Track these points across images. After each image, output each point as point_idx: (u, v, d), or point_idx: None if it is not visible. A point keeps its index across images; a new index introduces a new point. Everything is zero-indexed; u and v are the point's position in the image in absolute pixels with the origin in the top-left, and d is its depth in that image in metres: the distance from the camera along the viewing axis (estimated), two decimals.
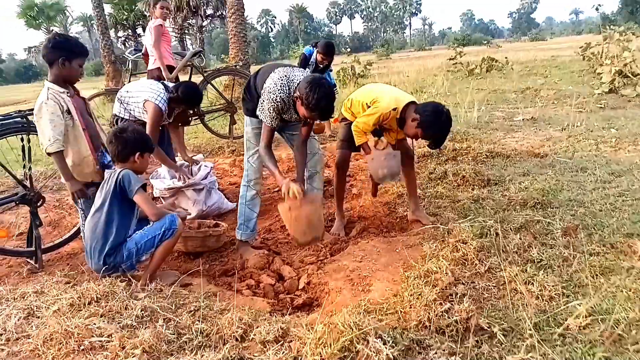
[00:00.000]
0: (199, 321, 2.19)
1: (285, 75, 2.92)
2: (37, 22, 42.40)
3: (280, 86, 2.87)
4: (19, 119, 3.35)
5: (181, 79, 7.35)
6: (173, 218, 2.71)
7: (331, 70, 7.01)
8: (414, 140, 3.33)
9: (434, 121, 3.05)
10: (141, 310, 2.24)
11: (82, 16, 44.66)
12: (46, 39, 3.02)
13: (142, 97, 3.91)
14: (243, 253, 3.17)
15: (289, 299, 2.64)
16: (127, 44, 40.27)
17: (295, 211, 2.85)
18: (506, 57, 15.22)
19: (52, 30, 42.50)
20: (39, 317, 2.25)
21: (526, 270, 2.52)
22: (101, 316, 2.20)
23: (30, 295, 2.53)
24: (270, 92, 2.87)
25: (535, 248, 2.75)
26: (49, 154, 2.95)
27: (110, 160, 3.11)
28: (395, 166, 3.22)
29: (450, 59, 15.48)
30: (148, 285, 2.67)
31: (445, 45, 67.51)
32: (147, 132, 4.04)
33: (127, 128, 2.79)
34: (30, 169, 3.42)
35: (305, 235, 2.91)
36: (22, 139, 3.39)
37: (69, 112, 3.03)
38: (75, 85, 3.25)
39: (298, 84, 2.85)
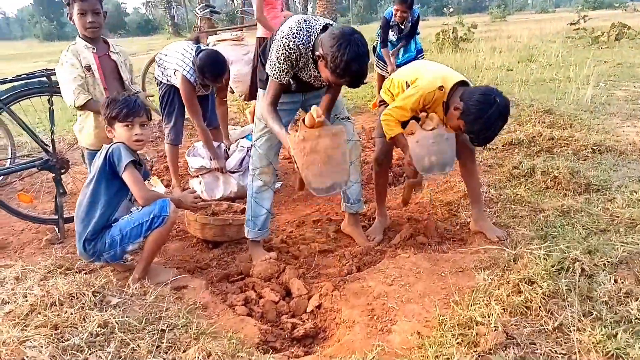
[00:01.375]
0: (158, 352, 1.76)
1: (305, 20, 2.28)
2: None
3: (297, 30, 2.23)
4: (44, 78, 3.10)
5: (253, 39, 6.94)
6: (164, 204, 2.29)
7: (418, 33, 6.08)
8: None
9: (478, 113, 2.31)
10: (98, 327, 1.85)
11: None
12: None
13: (173, 66, 3.62)
14: (252, 255, 2.68)
15: (290, 325, 2.12)
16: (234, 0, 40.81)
17: (311, 141, 2.15)
18: None
19: None
20: None
21: (616, 335, 1.75)
22: (54, 327, 1.85)
23: (9, 281, 2.27)
24: (283, 38, 2.25)
25: (637, 301, 1.94)
26: (79, 108, 2.75)
27: None
28: (448, 152, 2.48)
29: (571, 24, 13.43)
30: (134, 283, 2.32)
31: (571, 8, 60.38)
32: (186, 106, 3.69)
33: (118, 96, 2.38)
34: (53, 132, 3.18)
35: (322, 178, 2.18)
36: (48, 101, 3.16)
37: (89, 68, 2.78)
38: (109, 42, 2.93)
39: (321, 37, 2.20)
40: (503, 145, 4.17)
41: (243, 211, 3.23)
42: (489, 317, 1.86)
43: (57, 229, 3.26)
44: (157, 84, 3.93)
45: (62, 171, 3.24)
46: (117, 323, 1.88)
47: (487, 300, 2.00)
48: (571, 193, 3.15)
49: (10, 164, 3.97)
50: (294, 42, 2.23)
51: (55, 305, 1.98)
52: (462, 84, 2.52)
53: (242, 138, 4.41)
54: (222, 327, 2.03)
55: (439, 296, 2.17)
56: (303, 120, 2.24)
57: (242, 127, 4.67)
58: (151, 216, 2.28)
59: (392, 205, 3.36)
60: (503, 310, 1.91)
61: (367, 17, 67.25)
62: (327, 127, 2.21)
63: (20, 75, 3.11)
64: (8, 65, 18.34)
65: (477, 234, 2.81)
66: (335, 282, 2.32)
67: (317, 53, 2.18)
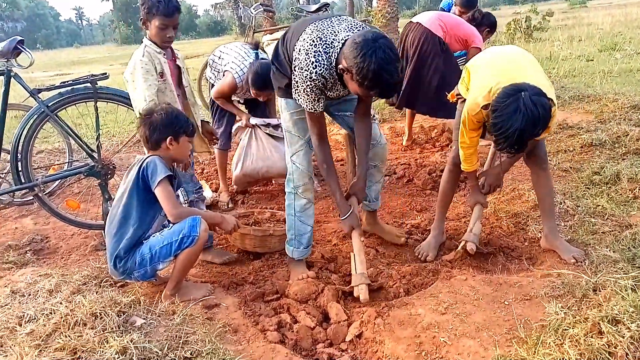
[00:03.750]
0: None
1: (320, 38, 2.05)
2: None
3: (315, 57, 2.02)
4: (89, 84, 3.07)
5: None
6: (194, 222, 2.13)
7: None
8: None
9: (496, 106, 1.99)
10: (116, 353, 1.72)
11: None
12: None
13: (226, 67, 3.50)
14: (291, 272, 2.47)
15: (325, 356, 1.89)
16: None
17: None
18: None
19: None
20: (12, 338, 1.88)
21: None
22: (72, 351, 1.74)
23: (42, 294, 2.22)
24: (302, 70, 2.06)
25: None
26: None
27: None
28: None
29: None
30: (165, 300, 2.19)
31: None
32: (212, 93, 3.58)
33: (155, 109, 2.26)
34: (98, 138, 3.15)
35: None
36: (95, 108, 3.13)
37: (162, 74, 2.65)
38: (174, 49, 2.81)
39: (341, 48, 1.99)
40: (581, 147, 3.68)
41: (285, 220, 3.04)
42: None
43: (103, 234, 3.23)
44: (210, 86, 3.83)
45: (108, 177, 3.21)
46: (136, 349, 1.73)
47: (560, 341, 1.66)
48: None
49: (68, 166, 4.05)
50: (316, 72, 2.04)
51: (79, 325, 1.88)
52: None
53: None
54: (251, 356, 1.84)
55: (501, 331, 1.85)
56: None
57: None
58: (180, 236, 2.14)
59: (448, 215, 3.03)
60: (579, 356, 1.57)
61: (434, 9, 65.32)
62: None
63: (66, 82, 3.10)
64: (86, 68, 19.51)
65: (548, 252, 2.44)
66: (378, 307, 2.05)
67: (340, 66, 1.97)
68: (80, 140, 3.16)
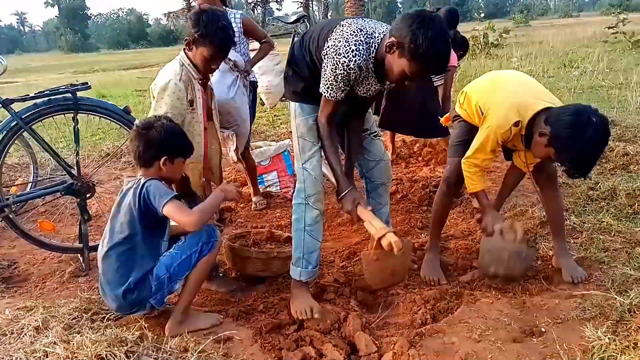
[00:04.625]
0: None
1: (360, 29, 1.94)
2: None
3: (356, 45, 1.91)
4: (68, 94, 2.81)
5: (285, 48, 6.65)
6: (210, 227, 2.03)
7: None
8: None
9: (572, 138, 1.93)
10: None
11: None
12: (193, 12, 2.35)
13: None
14: (298, 302, 2.22)
15: None
16: (255, 11, 40.98)
17: (384, 262, 2.11)
18: None
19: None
20: None
21: None
22: None
23: (28, 332, 1.95)
24: (340, 55, 1.92)
25: None
26: None
27: None
28: (518, 270, 2.26)
29: (609, 27, 12.85)
30: (172, 333, 1.98)
31: (596, 12, 59.05)
32: None
33: (154, 123, 2.03)
34: (78, 153, 2.89)
35: (384, 283, 2.30)
36: (73, 119, 2.86)
37: (192, 103, 2.35)
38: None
39: (390, 29, 1.90)
40: None
41: (286, 240, 2.87)
42: None
43: (81, 259, 2.95)
44: None
45: (88, 195, 2.94)
46: None
47: None
48: None
49: (32, 186, 3.71)
50: (355, 61, 1.92)
51: None
52: (545, 109, 2.12)
53: (278, 154, 4.08)
54: None
55: (543, 358, 1.77)
56: (379, 239, 2.03)
57: (275, 142, 4.34)
58: (200, 244, 1.99)
59: (454, 233, 2.96)
60: None
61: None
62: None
63: (43, 92, 2.82)
64: (34, 76, 18.52)
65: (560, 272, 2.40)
66: (409, 336, 1.93)
67: (388, 42, 1.85)
68: (58, 156, 2.88)
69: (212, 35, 2.24)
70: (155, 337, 1.92)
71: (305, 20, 5.73)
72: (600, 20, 23.81)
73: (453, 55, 4.01)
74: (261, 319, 2.16)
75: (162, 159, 2.00)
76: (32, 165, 3.90)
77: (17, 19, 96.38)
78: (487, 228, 2.30)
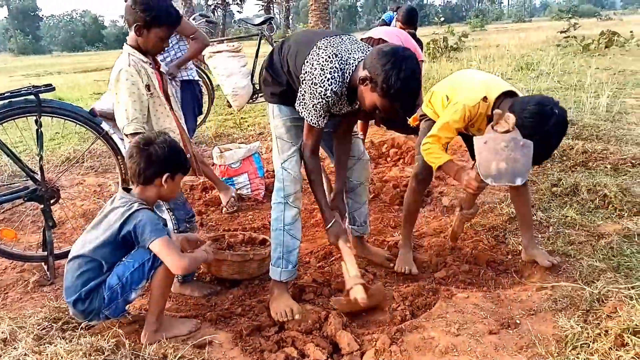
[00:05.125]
0: None
1: (335, 55, 1.97)
2: None
3: (331, 73, 1.95)
4: (31, 96, 2.69)
5: (251, 50, 6.60)
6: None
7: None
8: None
9: (535, 127, 2.01)
10: None
11: None
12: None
13: None
14: (277, 304, 2.21)
15: None
16: (215, 13, 40.48)
17: (354, 305, 2.15)
18: (631, 31, 12.88)
19: None
20: None
21: None
22: None
23: None
24: (316, 85, 1.96)
25: None
26: (128, 135, 2.30)
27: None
28: (521, 161, 2.04)
29: (561, 32, 13.41)
30: (149, 341, 1.92)
31: (547, 17, 61.49)
32: None
33: (155, 139, 1.97)
34: (42, 158, 2.77)
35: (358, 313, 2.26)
36: (35, 122, 2.74)
37: (149, 87, 2.34)
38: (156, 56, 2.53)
39: (364, 60, 1.93)
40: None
41: (262, 242, 2.85)
42: None
43: (45, 267, 2.84)
44: None
45: (52, 201, 2.83)
46: None
47: (586, 356, 1.66)
48: (626, 214, 2.85)
49: None
50: (331, 89, 1.96)
51: None
52: (509, 94, 2.23)
53: (248, 157, 4.04)
54: None
55: (519, 349, 1.82)
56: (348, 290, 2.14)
57: (245, 144, 4.29)
58: (152, 253, 1.90)
59: (427, 231, 3.02)
60: None
61: (347, 28, 67.72)
62: (369, 292, 2.17)
63: (4, 94, 2.69)
64: None
65: (532, 264, 2.48)
66: (390, 333, 1.95)
67: (361, 75, 1.89)
68: (20, 161, 2.76)
69: (164, 16, 2.29)
70: (133, 344, 1.86)
71: (271, 22, 5.73)
72: (551, 25, 24.82)
73: (419, 50, 4.13)
74: (240, 322, 2.14)
75: (164, 176, 1.96)
76: None
77: None
78: (468, 181, 2.19)
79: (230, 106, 5.64)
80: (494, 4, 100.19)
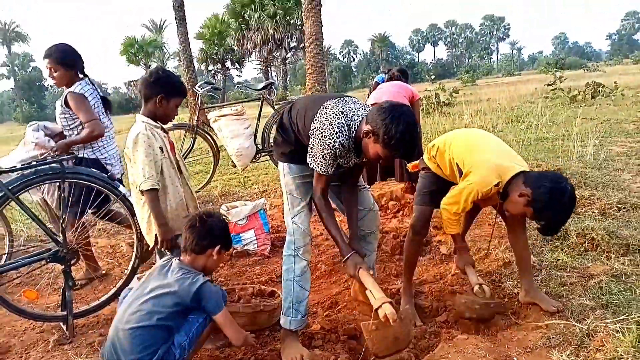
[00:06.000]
0: None
1: (342, 112, 2.22)
2: (137, 58, 45.67)
3: (339, 128, 2.19)
4: (55, 164, 2.94)
5: (252, 111, 6.97)
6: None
7: None
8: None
9: (553, 203, 2.22)
10: None
11: (177, 51, 47.73)
12: (148, 72, 2.77)
13: None
14: (286, 350, 2.38)
15: None
16: (216, 77, 42.07)
17: (384, 331, 2.18)
18: (615, 82, 13.48)
19: (150, 65, 45.65)
20: None
21: None
22: None
23: None
24: (325, 137, 2.20)
25: None
26: (141, 192, 2.55)
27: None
28: (487, 315, 2.48)
29: (548, 85, 14.02)
30: None
31: (535, 70, 63.75)
32: None
33: (214, 213, 2.26)
34: (64, 220, 2.97)
35: (388, 350, 2.24)
36: (59, 187, 2.97)
37: (162, 149, 2.65)
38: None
39: (366, 117, 2.18)
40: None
41: (271, 294, 3.00)
42: None
43: (64, 327, 2.96)
44: None
45: (73, 262, 3.00)
46: None
47: None
48: (614, 255, 3.02)
49: (7, 257, 3.71)
50: (339, 141, 2.19)
51: None
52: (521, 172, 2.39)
53: (254, 213, 4.24)
54: None
55: None
56: (377, 310, 2.18)
57: (251, 202, 4.50)
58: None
59: (427, 278, 3.17)
60: None
61: (342, 87, 69.97)
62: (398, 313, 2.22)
63: (30, 163, 2.94)
64: None
65: (528, 305, 2.63)
66: None
67: (365, 129, 2.14)
68: (43, 224, 2.96)
69: (181, 87, 2.75)
70: None
71: (272, 86, 6.11)
72: (539, 78, 25.82)
73: (415, 91, 4.86)
74: None
75: (217, 248, 2.19)
76: (7, 237, 3.92)
77: None
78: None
79: (234, 166, 5.90)
80: (483, 59, 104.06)
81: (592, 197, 4.01)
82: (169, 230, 2.57)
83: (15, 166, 2.96)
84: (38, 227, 2.96)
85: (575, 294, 2.62)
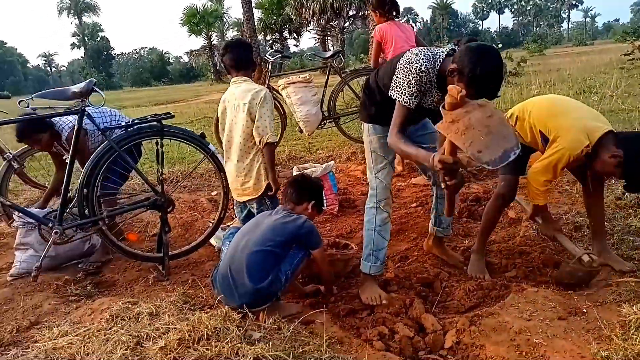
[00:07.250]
0: None
1: (424, 50, 2.30)
2: (199, 28, 46.61)
3: (425, 56, 2.25)
4: (155, 122, 3.26)
5: (319, 80, 7.14)
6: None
7: None
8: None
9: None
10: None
11: (236, 22, 48.14)
12: (240, 40, 3.36)
13: None
14: (368, 291, 2.60)
15: None
16: (274, 47, 42.38)
17: (462, 120, 1.88)
18: None
19: (211, 35, 46.51)
20: (145, 349, 2.00)
21: None
22: None
23: (144, 317, 2.33)
24: (412, 63, 2.24)
25: None
26: (267, 144, 2.91)
27: None
28: (584, 279, 2.51)
29: (625, 54, 13.20)
30: (265, 322, 2.32)
31: (610, 40, 59.42)
32: None
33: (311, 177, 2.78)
34: (162, 173, 3.32)
35: (491, 149, 1.84)
36: (156, 143, 3.30)
37: None
38: None
39: (452, 56, 2.20)
40: None
41: (344, 246, 3.23)
42: None
43: (160, 267, 3.33)
44: None
45: (169, 210, 3.35)
46: (270, 357, 1.88)
47: None
48: None
49: None
50: (425, 65, 2.22)
51: (203, 339, 2.01)
52: (609, 132, 2.42)
53: (324, 175, 4.46)
54: None
55: (586, 331, 2.08)
56: (443, 106, 1.99)
57: (320, 164, 4.71)
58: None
59: (495, 239, 3.29)
60: None
61: None
62: (470, 102, 1.97)
63: (134, 121, 3.28)
64: None
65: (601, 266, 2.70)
66: (468, 317, 2.26)
67: (450, 67, 2.13)
68: (144, 176, 3.31)
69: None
70: (254, 318, 2.27)
71: (340, 55, 6.24)
72: (615, 48, 24.17)
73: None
74: (337, 307, 2.51)
75: (312, 202, 2.61)
76: None
77: (44, 60, 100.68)
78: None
79: (301, 131, 6.14)
80: (552, 27, 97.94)
81: None
82: (277, 180, 2.98)
83: (120, 124, 3.32)
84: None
85: None
